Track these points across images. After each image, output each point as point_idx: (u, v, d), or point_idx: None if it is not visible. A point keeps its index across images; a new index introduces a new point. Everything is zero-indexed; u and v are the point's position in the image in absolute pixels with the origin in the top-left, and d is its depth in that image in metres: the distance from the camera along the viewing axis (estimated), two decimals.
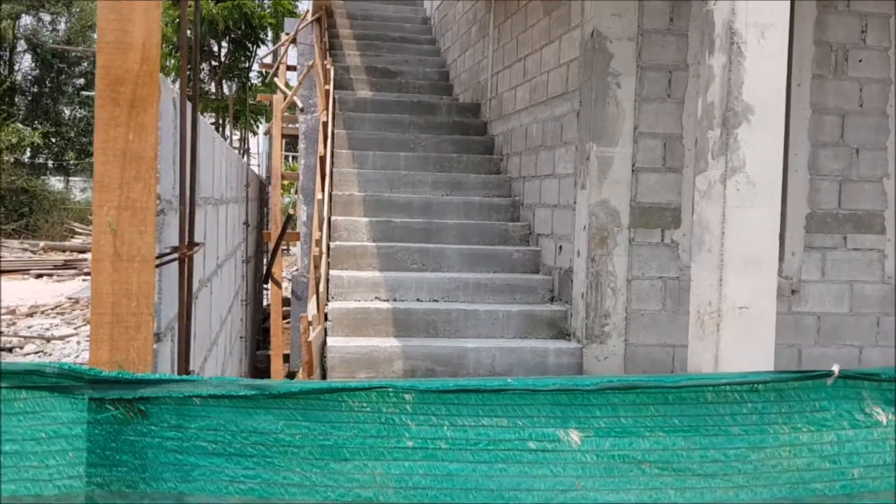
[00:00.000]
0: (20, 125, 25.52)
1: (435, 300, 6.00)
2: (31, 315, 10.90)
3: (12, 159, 24.18)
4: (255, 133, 21.32)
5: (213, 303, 2.63)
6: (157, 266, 1.41)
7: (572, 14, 5.99)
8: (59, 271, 15.98)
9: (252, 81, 20.96)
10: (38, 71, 28.50)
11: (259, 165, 15.04)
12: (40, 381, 1.36)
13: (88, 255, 18.55)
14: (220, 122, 20.84)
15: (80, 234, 21.69)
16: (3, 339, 8.72)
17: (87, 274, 15.60)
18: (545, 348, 5.54)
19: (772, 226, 4.14)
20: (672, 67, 5.58)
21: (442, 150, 7.78)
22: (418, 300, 5.98)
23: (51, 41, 27.73)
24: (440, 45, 10.77)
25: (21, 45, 27.74)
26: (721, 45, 4.22)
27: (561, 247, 6.03)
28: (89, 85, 28.68)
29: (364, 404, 1.39)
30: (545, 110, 6.43)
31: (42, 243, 20.11)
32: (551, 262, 6.22)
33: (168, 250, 1.49)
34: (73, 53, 27.61)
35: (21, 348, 8.60)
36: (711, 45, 4.27)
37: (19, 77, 28.70)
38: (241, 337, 4.60)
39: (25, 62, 28.77)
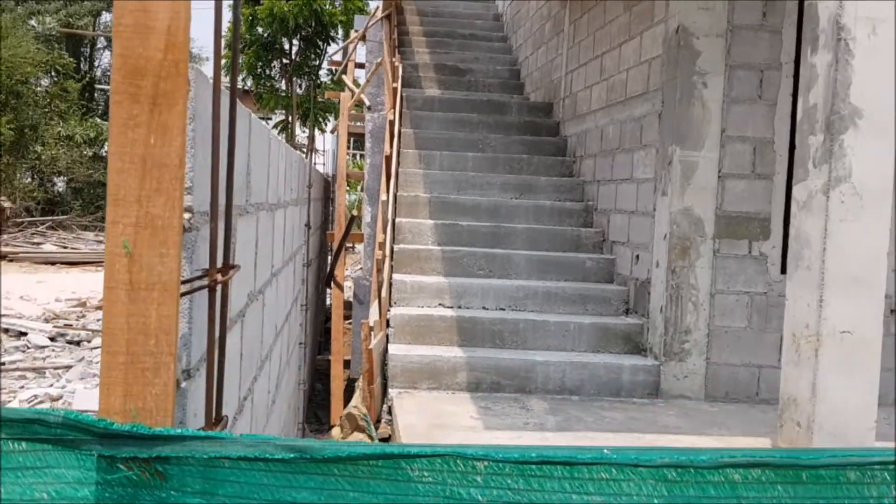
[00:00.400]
0: (98, 120, 26.25)
1: (502, 308, 5.72)
2: (100, 308, 11.05)
3: (91, 153, 24.87)
4: (323, 130, 21.37)
5: (265, 316, 2.42)
6: (184, 294, 1.18)
7: (655, 9, 5.63)
8: None
9: (321, 79, 21.02)
10: None
11: (325, 164, 15.03)
12: (43, 431, 1.14)
13: None
14: (290, 119, 20.97)
15: None
16: (72, 331, 8.82)
17: None
18: (619, 364, 5.21)
19: (881, 242, 3.73)
20: (764, 66, 5.17)
21: (512, 150, 7.49)
22: (484, 308, 5.71)
23: None
24: (511, 42, 10.48)
25: (101, 41, 28.51)
26: (826, 41, 3.83)
27: (638, 256, 5.68)
28: None
29: (425, 473, 1.13)
30: (623, 111, 6.08)
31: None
32: (627, 271, 5.87)
33: (200, 273, 1.25)
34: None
35: (89, 342, 8.67)
36: (815, 42, 3.88)
37: (99, 73, 29.55)
38: (301, 343, 4.41)
39: (105, 58, 29.60)
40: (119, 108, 1.00)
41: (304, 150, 22.81)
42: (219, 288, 1.20)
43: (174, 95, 1.00)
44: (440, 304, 5.68)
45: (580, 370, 5.18)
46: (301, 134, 22.21)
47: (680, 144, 5.13)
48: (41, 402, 5.95)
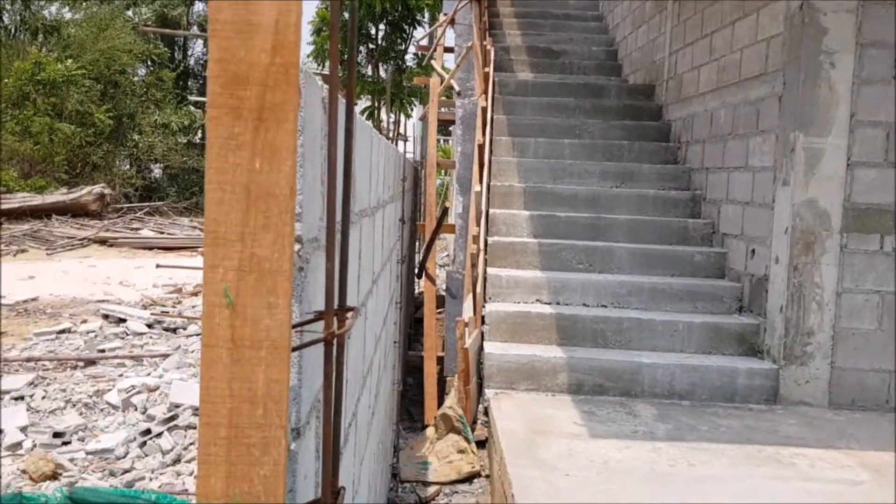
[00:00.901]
0: (192, 108, 26.92)
1: (603, 305, 5.41)
2: (195, 294, 11.24)
3: (185, 140, 25.53)
4: (409, 116, 21.26)
5: (367, 329, 2.22)
6: (296, 349, 0.96)
7: None
8: None
9: (408, 64, 20.89)
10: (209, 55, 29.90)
11: (412, 152, 14.85)
12: None
13: None
14: (377, 105, 20.94)
15: None
16: (168, 319, 8.95)
17: None
18: (734, 368, 4.84)
19: None
20: None
21: (611, 136, 7.12)
22: (584, 305, 5.41)
23: None
24: (607, 21, 10.03)
25: (194, 30, 29.15)
26: None
27: (753, 250, 5.27)
28: None
29: None
30: (737, 93, 5.64)
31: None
32: (740, 266, 5.47)
33: (312, 316, 1.03)
34: None
35: (185, 329, 8.78)
36: None
37: (192, 62, 30.29)
38: (395, 342, 4.23)
39: (198, 47, 30.29)
40: (217, 126, 0.78)
41: (391, 136, 22.78)
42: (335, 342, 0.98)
43: (283, 108, 0.78)
44: (537, 300, 5.41)
45: (691, 373, 4.84)
46: (387, 120, 22.19)
47: (804, 130, 4.69)
48: (139, 391, 5.99)
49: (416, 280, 8.47)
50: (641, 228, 6.01)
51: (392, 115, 21.19)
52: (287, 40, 0.78)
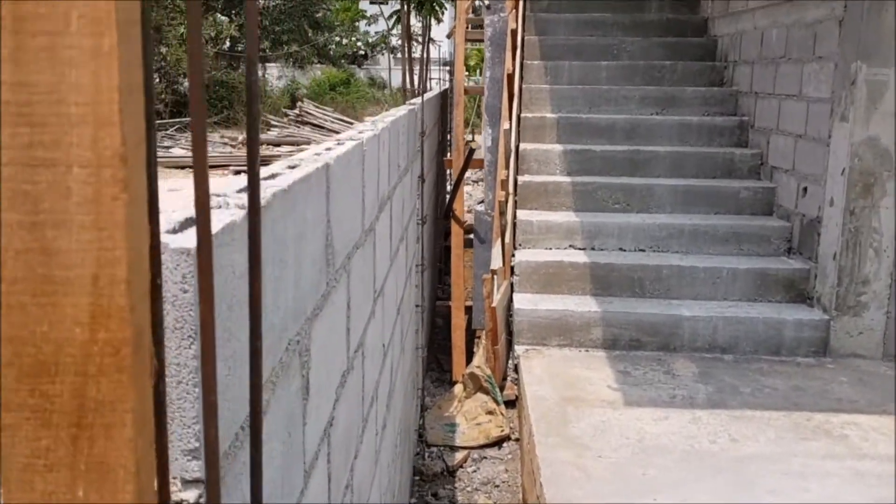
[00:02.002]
0: (219, 15, 26.20)
1: (641, 250, 5.09)
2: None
3: (213, 52, 24.98)
4: (439, 21, 20.42)
5: (383, 324, 1.96)
6: None
7: None
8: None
9: None
10: None
11: (442, 81, 14.19)
12: None
13: (282, 150, 18.95)
14: (406, 8, 20.12)
15: (275, 126, 22.23)
16: None
17: None
18: (781, 319, 4.53)
19: None
20: None
21: (651, 56, 6.59)
22: (621, 249, 5.09)
23: None
24: None
25: None
26: None
27: (805, 188, 4.86)
28: None
29: None
30: (791, 13, 5.09)
31: (240, 137, 20.79)
32: (790, 204, 5.07)
33: None
34: None
35: None
36: None
37: None
38: (417, 306, 4.00)
39: None
40: (15, 439, 0.50)
41: (419, 39, 21.97)
42: None
43: (115, 408, 0.49)
44: (570, 246, 5.11)
45: (734, 326, 4.55)
46: (416, 24, 21.32)
47: (866, 61, 4.20)
48: None
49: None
50: (684, 161, 5.59)
51: (420, 20, 20.34)
52: (114, 305, 0.49)
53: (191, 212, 0.79)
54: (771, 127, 5.38)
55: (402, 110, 2.91)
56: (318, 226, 1.20)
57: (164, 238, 0.68)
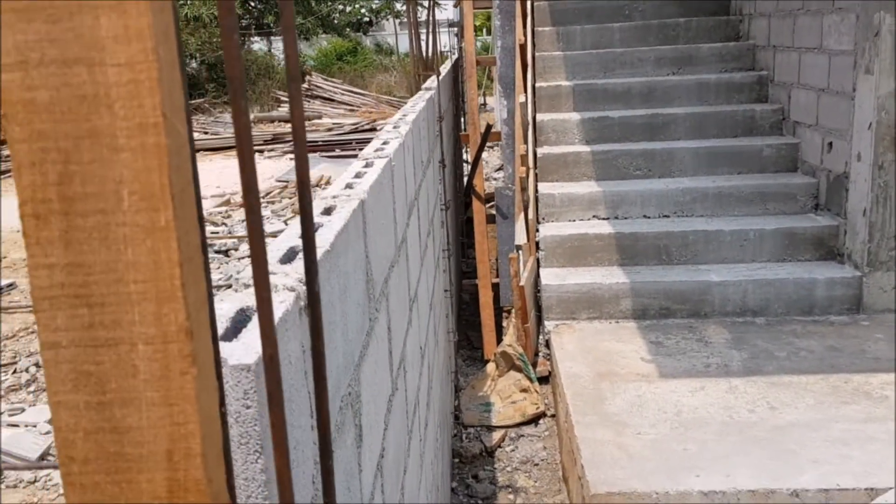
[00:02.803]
0: None
1: (666, 216, 5.03)
2: (244, 207, 11.11)
3: (219, 31, 24.80)
4: None
5: (418, 327, 1.95)
6: None
7: None
8: (268, 146, 16.31)
9: None
10: None
11: (451, 48, 13.94)
12: None
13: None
14: None
15: (285, 102, 22.12)
16: (219, 242, 8.85)
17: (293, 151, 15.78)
18: (812, 279, 4.48)
19: None
20: None
21: (664, 13, 6.45)
22: (645, 216, 5.04)
23: None
24: None
25: None
26: None
27: (831, 144, 4.76)
28: None
29: None
30: None
31: (253, 115, 20.74)
32: (815, 160, 4.97)
33: None
34: None
35: (236, 250, 8.69)
36: None
37: None
38: (446, 290, 4.00)
39: None
40: None
41: (425, 3, 21.64)
42: None
43: None
44: (594, 217, 5.06)
45: (765, 288, 4.50)
46: None
47: (890, 10, 4.08)
48: None
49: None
50: (704, 122, 5.50)
51: None
52: (191, 478, 0.48)
53: (239, 301, 0.78)
54: (792, 81, 5.27)
55: (420, 102, 2.87)
56: (358, 268, 1.19)
57: (222, 351, 0.66)
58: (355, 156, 2.32)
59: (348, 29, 31.80)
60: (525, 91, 5.39)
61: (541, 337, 4.68)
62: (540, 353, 4.63)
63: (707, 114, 5.51)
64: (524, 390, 4.39)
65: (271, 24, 28.78)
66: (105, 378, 0.46)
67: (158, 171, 0.44)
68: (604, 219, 5.04)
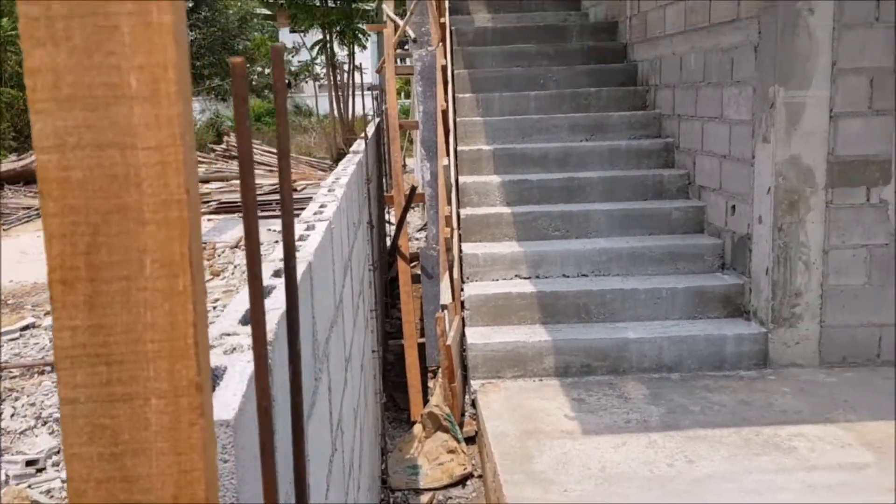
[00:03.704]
0: None
1: (584, 275, 5.22)
2: (237, 246, 10.87)
3: None
4: (363, 47, 20.52)
5: (345, 399, 1.98)
6: None
7: None
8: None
9: None
10: None
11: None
12: None
13: (211, 186, 18.61)
14: (328, 38, 20.11)
15: (202, 162, 21.85)
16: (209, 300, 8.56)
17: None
18: (721, 335, 4.70)
19: None
20: None
21: (577, 83, 6.79)
22: (565, 276, 5.21)
23: None
24: None
25: None
26: None
27: (734, 207, 5.07)
28: (198, 6, 28.44)
29: None
30: (708, 38, 5.33)
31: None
32: (720, 222, 5.27)
33: None
34: None
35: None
36: None
37: None
38: (374, 350, 4.01)
39: None
40: None
41: (345, 68, 21.99)
42: None
43: None
44: (517, 276, 5.20)
45: (678, 344, 4.70)
46: (340, 52, 21.39)
47: (783, 84, 4.43)
48: None
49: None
50: (616, 185, 5.77)
51: (345, 48, 20.40)
52: None
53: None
54: (696, 148, 5.61)
55: (350, 166, 2.95)
56: (306, 332, 1.23)
57: None
58: (277, 216, 2.36)
59: (267, 91, 31.89)
60: (448, 154, 5.55)
61: (467, 397, 4.73)
62: (466, 413, 4.67)
63: (619, 178, 5.79)
64: (451, 451, 4.40)
65: (216, 87, 28.54)
66: (119, 430, 0.50)
67: (179, 241, 0.49)
68: (526, 278, 5.19)
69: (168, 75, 0.47)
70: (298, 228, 1.64)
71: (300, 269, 1.24)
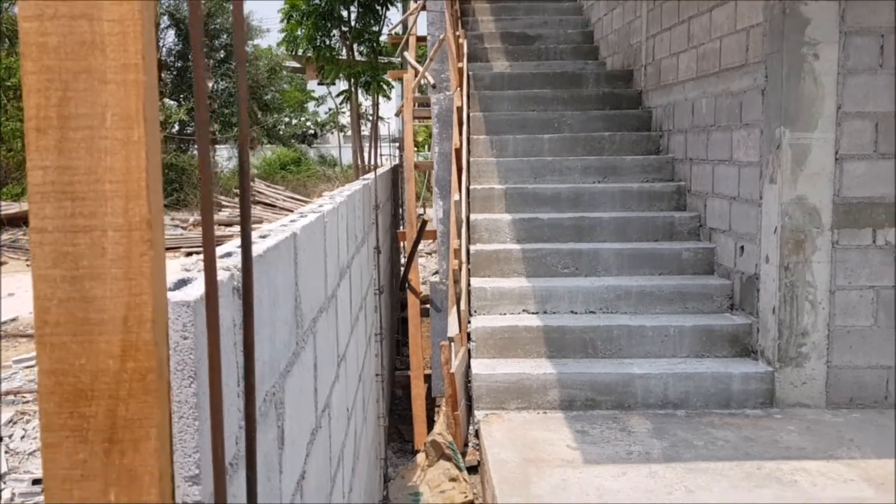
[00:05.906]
0: (168, 100, 26.44)
1: (592, 312, 5.27)
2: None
3: (162, 136, 25.10)
4: (388, 98, 20.95)
5: (346, 392, 2.05)
6: None
7: None
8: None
9: (383, 45, 20.49)
10: (181, 46, 29.36)
11: (388, 132, 14.57)
12: None
13: (234, 229, 18.95)
14: (353, 88, 20.59)
15: (226, 206, 22.27)
16: None
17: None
18: (728, 374, 4.71)
19: None
20: (885, 30, 4.50)
21: (591, 128, 6.93)
22: (572, 312, 5.26)
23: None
24: (582, 1, 9.78)
25: (165, 20, 28.60)
26: None
27: (742, 247, 5.12)
28: (229, 57, 29.32)
29: None
30: (717, 84, 5.46)
31: (191, 219, 20.80)
32: (729, 263, 5.32)
33: None
34: (213, 26, 28.21)
35: None
36: None
37: (164, 53, 29.71)
38: (377, 374, 4.08)
39: (169, 38, 29.70)
40: (56, 455, 0.60)
41: (369, 117, 22.45)
42: None
43: (143, 424, 0.60)
44: (524, 311, 5.26)
45: (684, 381, 4.71)
46: (365, 102, 21.92)
47: (789, 126, 4.53)
48: None
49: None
50: (627, 226, 5.85)
51: (369, 97, 20.87)
52: (141, 340, 0.60)
53: (181, 274, 0.91)
54: (706, 191, 5.69)
55: (357, 185, 3.07)
56: (288, 289, 1.32)
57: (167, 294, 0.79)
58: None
59: (293, 140, 32.57)
60: (459, 191, 5.68)
61: (471, 427, 4.76)
62: (469, 444, 4.69)
63: (630, 219, 5.87)
64: (453, 479, 4.42)
65: (216, 133, 29.26)
66: (80, 257, 0.60)
67: (135, 99, 0.59)
68: (533, 313, 5.24)
69: None
70: (293, 216, 1.75)
71: (283, 234, 1.35)
